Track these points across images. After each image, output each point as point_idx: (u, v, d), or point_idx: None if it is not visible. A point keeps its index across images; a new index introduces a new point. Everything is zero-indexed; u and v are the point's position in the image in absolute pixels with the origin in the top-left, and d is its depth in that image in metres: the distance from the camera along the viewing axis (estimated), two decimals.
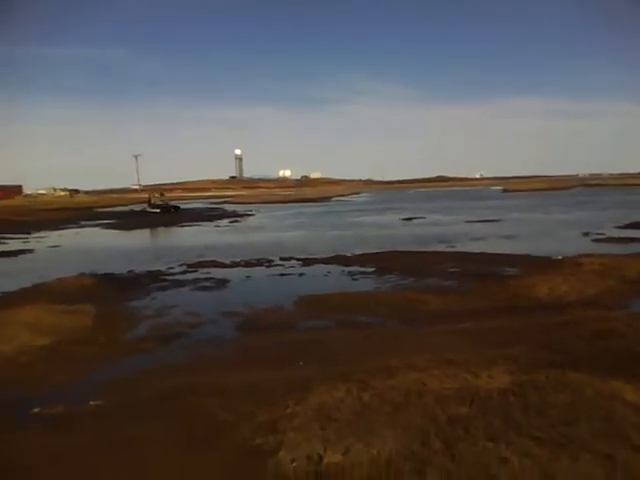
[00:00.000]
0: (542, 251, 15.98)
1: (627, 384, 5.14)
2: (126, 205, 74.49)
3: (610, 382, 5.18)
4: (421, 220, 32.80)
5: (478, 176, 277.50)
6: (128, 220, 41.15)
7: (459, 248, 18.13)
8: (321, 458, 4.18)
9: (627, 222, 25.47)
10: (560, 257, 14.03)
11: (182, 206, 55.57)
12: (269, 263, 16.14)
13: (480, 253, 16.33)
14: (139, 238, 28.63)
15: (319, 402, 5.17)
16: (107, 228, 34.93)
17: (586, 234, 21.51)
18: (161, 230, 32.71)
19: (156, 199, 55.69)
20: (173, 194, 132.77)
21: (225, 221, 37.76)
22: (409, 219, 33.62)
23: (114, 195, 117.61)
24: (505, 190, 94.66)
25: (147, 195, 60.22)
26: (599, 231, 22.29)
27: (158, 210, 50.14)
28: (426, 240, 20.96)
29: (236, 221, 38.16)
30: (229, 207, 59.63)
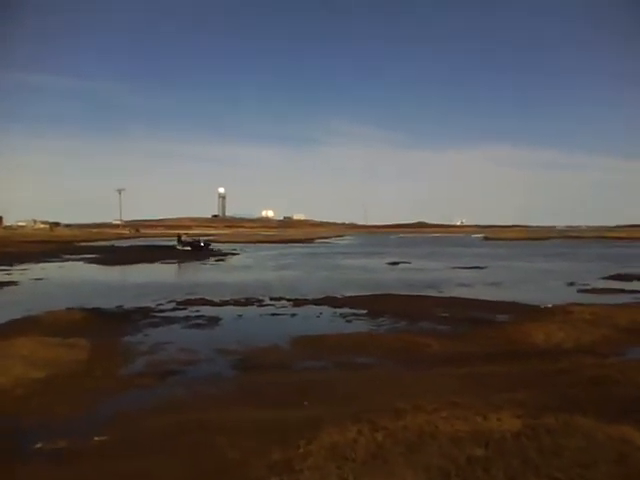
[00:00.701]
0: (529, 299, 16.19)
1: (634, 429, 5.19)
2: (108, 240, 73.98)
3: (618, 427, 5.23)
4: (407, 265, 33.06)
5: (458, 223, 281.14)
6: (111, 255, 40.85)
7: (447, 294, 18.29)
8: None
9: (609, 274, 25.89)
10: (550, 305, 14.22)
11: (164, 244, 55.22)
12: (259, 303, 16.10)
13: (469, 299, 16.48)
14: (123, 274, 28.34)
15: (331, 442, 5.13)
16: (90, 262, 34.56)
17: (571, 284, 21.87)
18: (146, 267, 32.40)
19: (187, 237, 55.65)
20: (154, 231, 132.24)
21: (211, 260, 37.64)
22: (395, 263, 33.86)
23: (94, 230, 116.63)
24: (486, 238, 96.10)
25: (128, 231, 59.41)
26: (583, 282, 22.65)
27: (189, 248, 49.80)
28: (413, 285, 21.11)
29: (221, 260, 38.04)
30: (213, 246, 59.39)
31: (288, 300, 16.41)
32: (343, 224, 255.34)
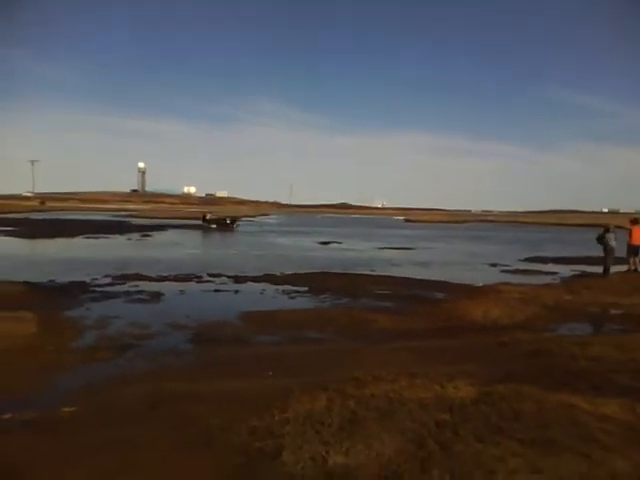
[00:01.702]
0: (460, 279, 17.01)
1: (576, 396, 5.74)
2: (20, 212, 70.17)
3: (561, 394, 5.75)
4: (337, 245, 33.57)
5: (379, 205, 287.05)
6: (29, 228, 38.89)
7: (381, 272, 18.81)
8: (325, 459, 4.39)
9: (525, 257, 27.48)
10: (481, 285, 15.07)
11: (78, 218, 52.87)
12: (198, 279, 15.95)
13: (405, 277, 17.08)
14: (47, 248, 27.11)
15: (305, 409, 5.36)
16: (7, 235, 32.79)
17: (494, 265, 23.07)
18: (68, 241, 31.11)
19: (212, 215, 54.08)
20: (67, 204, 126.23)
21: (136, 235, 36.63)
22: (326, 243, 34.30)
23: (2, 201, 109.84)
24: (407, 220, 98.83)
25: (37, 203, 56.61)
26: (504, 263, 23.95)
27: (214, 225, 49.65)
28: (347, 264, 21.52)
29: (148, 235, 37.09)
30: (136, 221, 57.70)
31: (228, 277, 16.35)
32: (267, 203, 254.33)
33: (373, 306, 12.02)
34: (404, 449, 4.49)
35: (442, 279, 16.88)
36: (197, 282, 15.39)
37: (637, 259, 17.53)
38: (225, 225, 50.35)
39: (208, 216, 53.47)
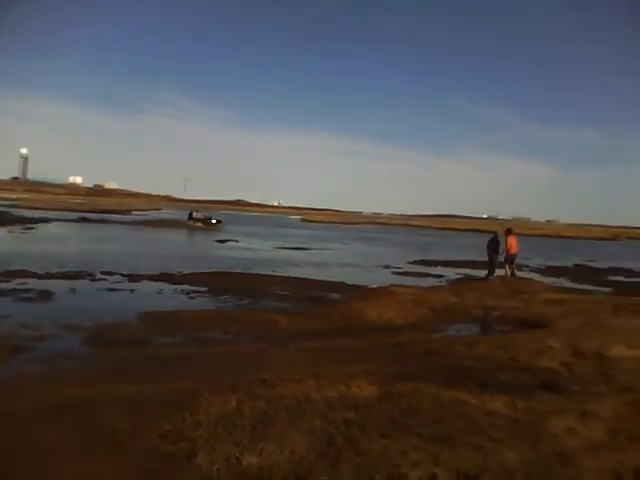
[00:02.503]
0: (355, 280, 17.67)
1: (466, 393, 6.29)
2: None
3: (454, 391, 6.27)
4: (235, 243, 33.42)
5: (276, 204, 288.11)
6: None
7: (281, 273, 19.06)
8: (239, 460, 4.53)
9: (415, 259, 28.93)
10: (375, 286, 15.75)
11: None
12: (91, 277, 15.31)
13: (303, 278, 17.43)
14: None
15: (216, 411, 5.44)
16: None
17: (387, 267, 24.11)
18: None
19: (198, 214, 53.55)
20: None
21: (18, 227, 34.28)
22: (223, 241, 34.01)
23: None
24: (304, 220, 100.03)
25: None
26: (395, 265, 25.09)
27: (200, 224, 50.42)
28: (246, 263, 21.54)
29: (32, 228, 34.84)
30: (17, 212, 53.82)
31: (122, 275, 15.83)
32: (159, 196, 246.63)
33: (274, 307, 12.23)
34: (315, 447, 4.72)
35: (339, 280, 17.44)
36: (90, 280, 14.79)
37: (514, 265, 19.11)
38: (211, 224, 50.84)
39: (194, 214, 53.42)
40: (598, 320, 11.11)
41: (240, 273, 17.89)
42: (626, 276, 26.22)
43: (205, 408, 5.57)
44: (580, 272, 26.87)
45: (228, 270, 18.50)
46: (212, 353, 8.13)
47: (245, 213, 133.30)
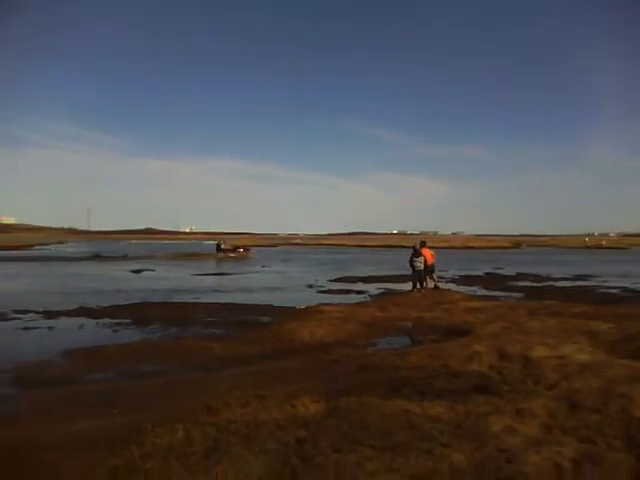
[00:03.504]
0: (282, 301, 17.73)
1: (407, 401, 6.51)
2: None
3: (396, 401, 6.47)
4: (151, 273, 32.51)
5: (187, 230, 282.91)
6: None
7: (204, 300, 18.77)
8: None
9: (335, 277, 29.36)
10: (304, 306, 15.86)
11: None
12: (2, 316, 14.46)
13: (229, 303, 17.28)
14: None
15: (164, 443, 5.31)
16: None
17: (310, 286, 24.34)
18: None
19: (225, 245, 56.56)
20: None
21: None
22: (138, 271, 33.00)
23: None
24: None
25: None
26: (318, 284, 25.38)
27: (233, 254, 53.09)
28: (167, 292, 21.09)
29: None
30: None
31: (36, 313, 15.03)
32: (62, 229, 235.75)
33: (205, 334, 12.04)
34: (271, 467, 4.72)
35: (266, 303, 17.41)
36: (2, 320, 13.92)
37: (434, 276, 19.89)
38: (241, 253, 54.08)
39: (222, 245, 56.01)
40: (517, 324, 11.78)
41: (163, 302, 17.46)
42: (533, 281, 27.91)
43: (152, 440, 5.41)
44: (492, 280, 28.31)
45: (150, 300, 17.99)
46: (147, 386, 7.91)
47: (158, 242, 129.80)
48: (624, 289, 22.83)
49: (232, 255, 53.03)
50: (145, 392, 7.53)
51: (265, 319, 14.00)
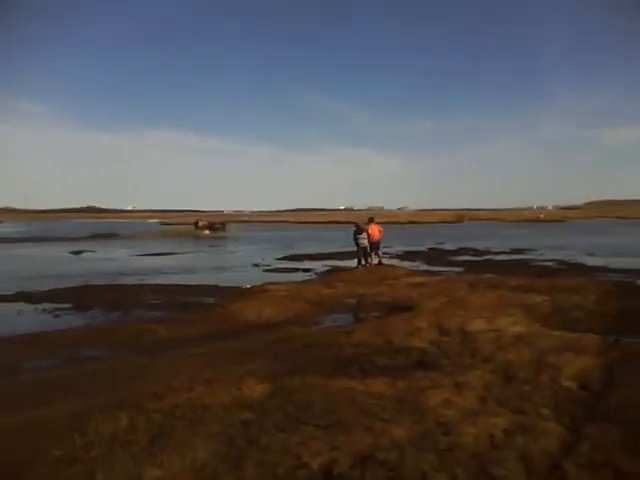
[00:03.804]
0: (228, 281, 17.65)
1: (351, 379, 6.69)
2: None
3: (340, 380, 6.64)
4: (92, 254, 31.65)
5: (130, 208, 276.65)
6: None
7: (148, 281, 18.45)
8: (140, 475, 4.47)
9: (282, 255, 29.41)
10: (249, 285, 15.86)
11: None
12: None
13: (174, 285, 17.08)
14: None
15: (108, 431, 5.29)
16: None
17: (256, 265, 24.31)
18: None
19: (202, 222, 56.42)
20: None
21: None
22: (78, 252, 32.08)
23: None
24: (163, 223, 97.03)
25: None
26: (264, 263, 25.38)
27: (207, 231, 53.04)
28: (110, 274, 20.58)
29: None
30: None
31: None
32: None
33: (149, 317, 11.90)
34: (217, 451, 4.79)
35: (212, 283, 17.32)
36: None
37: (380, 252, 20.25)
38: (218, 229, 53.99)
39: (200, 223, 55.76)
40: (457, 298, 12.18)
41: (105, 285, 17.09)
42: (473, 255, 28.77)
43: (95, 428, 5.37)
44: (434, 255, 29.00)
45: (92, 283, 17.57)
46: (90, 372, 7.80)
47: (100, 220, 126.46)
48: (559, 262, 23.82)
49: (207, 232, 52.87)
50: (88, 379, 7.43)
51: (210, 300, 13.93)
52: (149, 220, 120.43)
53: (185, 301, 13.80)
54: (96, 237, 50.95)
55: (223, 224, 57.16)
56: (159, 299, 14.24)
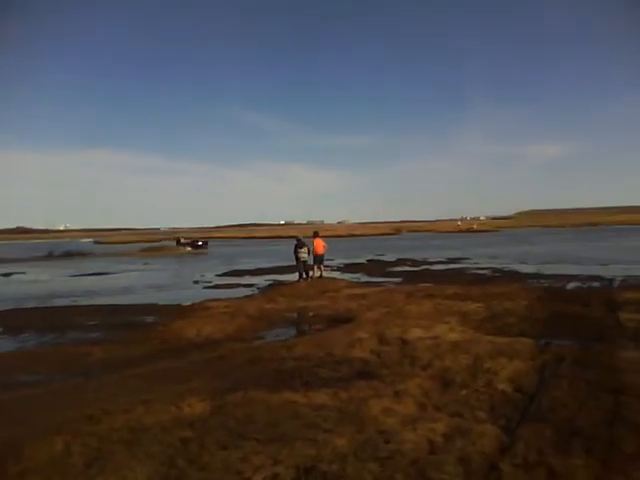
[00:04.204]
0: (167, 300, 17.31)
1: (293, 392, 6.71)
2: None
3: (282, 393, 6.65)
4: (22, 276, 30.38)
5: (62, 228, 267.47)
6: None
7: (83, 302, 17.87)
8: None
9: (223, 271, 29.13)
10: (189, 303, 15.62)
11: None
12: None
13: (110, 305, 16.60)
14: None
15: (44, 457, 5.09)
16: None
17: (196, 282, 23.95)
18: None
19: (184, 239, 58.88)
20: None
21: None
22: (7, 275, 30.70)
23: None
24: (97, 242, 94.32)
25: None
26: (204, 279, 25.04)
27: (189, 248, 54.17)
28: (41, 296, 19.80)
29: None
30: None
31: None
32: None
33: (84, 339, 11.51)
34: (155, 472, 4.69)
35: (150, 302, 16.94)
36: None
37: (322, 266, 20.42)
38: (199, 247, 55.14)
39: (182, 240, 57.84)
40: (396, 308, 12.42)
41: (36, 308, 16.40)
42: (411, 265, 29.42)
43: (29, 454, 5.17)
44: (373, 266, 29.44)
45: (21, 305, 16.85)
46: (24, 397, 7.48)
47: (30, 241, 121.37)
48: (493, 269, 24.69)
49: (189, 249, 53.99)
50: (22, 404, 7.14)
51: (149, 319, 13.63)
52: (82, 240, 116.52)
53: (122, 321, 13.44)
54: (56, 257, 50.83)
55: (205, 242, 57.60)
56: (95, 320, 13.80)
